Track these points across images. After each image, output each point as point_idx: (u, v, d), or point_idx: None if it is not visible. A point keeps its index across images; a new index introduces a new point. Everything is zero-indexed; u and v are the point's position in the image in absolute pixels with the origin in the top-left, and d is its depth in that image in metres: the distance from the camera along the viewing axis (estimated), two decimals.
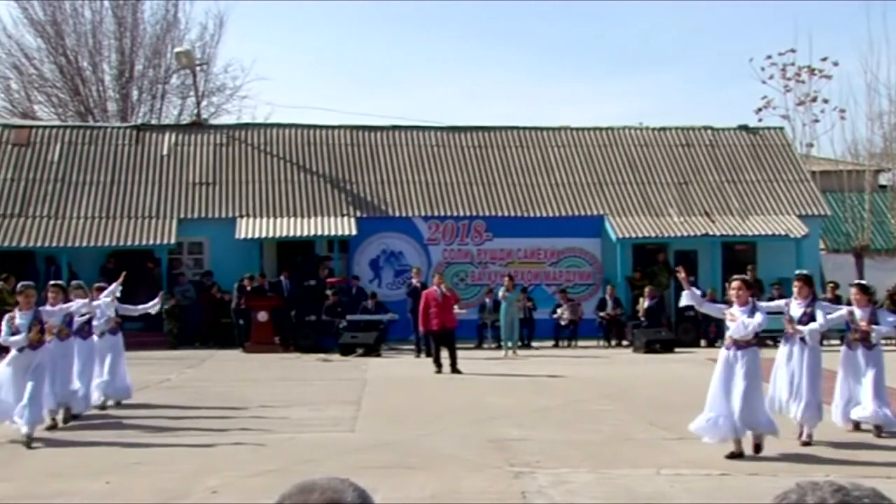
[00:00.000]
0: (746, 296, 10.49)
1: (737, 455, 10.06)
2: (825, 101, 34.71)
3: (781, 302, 11.71)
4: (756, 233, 26.26)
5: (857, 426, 11.65)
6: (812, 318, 10.97)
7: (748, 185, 27.78)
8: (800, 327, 10.94)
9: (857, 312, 11.73)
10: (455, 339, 18.93)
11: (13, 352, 11.42)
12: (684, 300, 11.46)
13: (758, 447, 10.26)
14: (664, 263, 26.02)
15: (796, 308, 11.12)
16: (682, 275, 11.42)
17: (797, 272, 11.90)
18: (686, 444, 10.67)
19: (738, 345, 10.28)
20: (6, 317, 11.44)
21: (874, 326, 11.59)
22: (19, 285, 11.97)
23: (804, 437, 10.89)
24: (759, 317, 10.21)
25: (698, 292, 11.70)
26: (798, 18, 69.63)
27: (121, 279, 14.28)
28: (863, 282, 12.37)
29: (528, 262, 26.27)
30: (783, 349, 11.31)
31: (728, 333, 10.52)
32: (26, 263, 25.27)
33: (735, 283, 10.64)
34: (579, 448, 10.62)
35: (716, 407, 10.22)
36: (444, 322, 18.69)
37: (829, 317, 11.23)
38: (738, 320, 10.31)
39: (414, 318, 21.82)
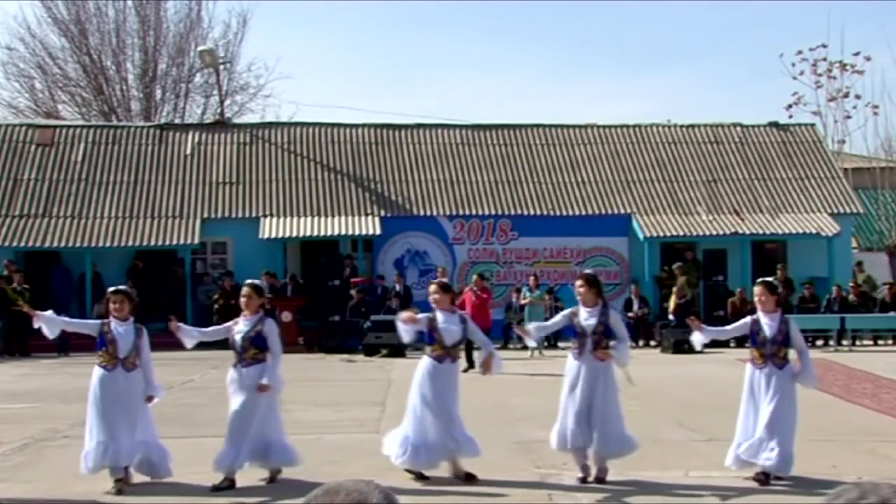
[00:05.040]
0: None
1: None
2: (857, 97, 34.44)
3: (567, 312, 9.62)
4: (786, 231, 25.95)
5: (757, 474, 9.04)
6: (608, 330, 9.31)
7: (778, 182, 27.45)
8: (610, 351, 9.25)
9: (763, 320, 9.28)
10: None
11: (234, 372, 9.31)
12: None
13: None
14: (693, 262, 25.74)
15: (586, 317, 9.29)
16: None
17: (583, 272, 10.02)
18: (715, 445, 10.46)
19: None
20: (233, 322, 9.42)
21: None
22: (249, 283, 9.61)
23: (597, 474, 9.10)
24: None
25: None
26: (830, 13, 68.85)
27: None
28: (769, 279, 9.81)
29: (554, 262, 26.03)
30: (572, 367, 9.30)
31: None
32: (50, 264, 25.34)
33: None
34: None
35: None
36: (479, 321, 18.69)
37: (735, 325, 9.74)
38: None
39: None
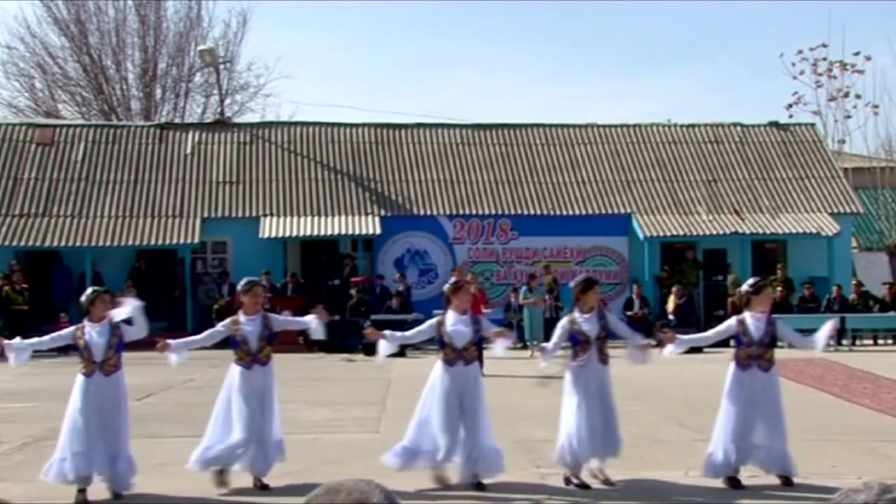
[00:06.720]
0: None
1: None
2: (858, 97, 34.41)
3: (564, 321, 9.29)
4: (786, 231, 25.93)
5: (734, 481, 8.86)
6: (610, 333, 9.23)
7: (778, 182, 27.44)
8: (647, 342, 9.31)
9: (749, 321, 9.05)
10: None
11: (238, 370, 9.04)
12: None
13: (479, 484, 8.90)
14: (693, 261, 25.73)
15: (586, 323, 9.15)
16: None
17: (587, 275, 10.01)
18: None
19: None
20: (229, 320, 9.23)
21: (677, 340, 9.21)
22: (245, 282, 9.37)
23: (604, 477, 9.03)
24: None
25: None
26: (831, 13, 68.72)
27: None
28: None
29: (554, 261, 26.00)
30: (578, 376, 9.09)
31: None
32: (50, 263, 25.32)
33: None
34: None
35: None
36: None
37: (717, 330, 9.46)
38: None
39: None
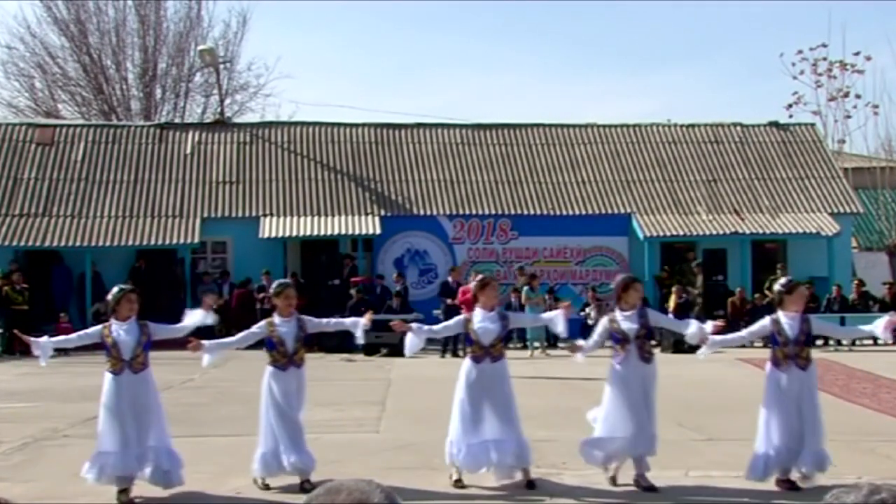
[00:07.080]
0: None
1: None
2: (858, 97, 34.42)
3: (605, 319, 9.32)
4: (786, 231, 25.94)
5: (791, 483, 8.87)
6: (650, 332, 9.26)
7: (778, 182, 27.44)
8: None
9: (784, 319, 8.93)
10: None
11: (271, 371, 9.06)
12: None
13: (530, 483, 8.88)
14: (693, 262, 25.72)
15: (625, 321, 9.03)
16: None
17: (628, 275, 9.94)
18: (715, 445, 10.46)
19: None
20: (265, 322, 9.26)
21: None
22: (277, 284, 9.58)
23: (641, 476, 8.91)
24: None
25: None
26: (831, 13, 68.68)
27: None
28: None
29: (554, 261, 26.01)
30: (621, 372, 9.06)
31: None
32: (50, 263, 25.31)
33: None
34: None
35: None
36: None
37: (751, 329, 9.37)
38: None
39: (445, 317, 21.60)
